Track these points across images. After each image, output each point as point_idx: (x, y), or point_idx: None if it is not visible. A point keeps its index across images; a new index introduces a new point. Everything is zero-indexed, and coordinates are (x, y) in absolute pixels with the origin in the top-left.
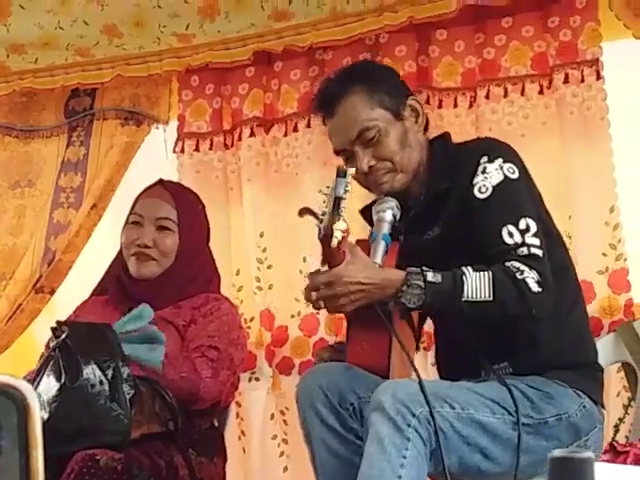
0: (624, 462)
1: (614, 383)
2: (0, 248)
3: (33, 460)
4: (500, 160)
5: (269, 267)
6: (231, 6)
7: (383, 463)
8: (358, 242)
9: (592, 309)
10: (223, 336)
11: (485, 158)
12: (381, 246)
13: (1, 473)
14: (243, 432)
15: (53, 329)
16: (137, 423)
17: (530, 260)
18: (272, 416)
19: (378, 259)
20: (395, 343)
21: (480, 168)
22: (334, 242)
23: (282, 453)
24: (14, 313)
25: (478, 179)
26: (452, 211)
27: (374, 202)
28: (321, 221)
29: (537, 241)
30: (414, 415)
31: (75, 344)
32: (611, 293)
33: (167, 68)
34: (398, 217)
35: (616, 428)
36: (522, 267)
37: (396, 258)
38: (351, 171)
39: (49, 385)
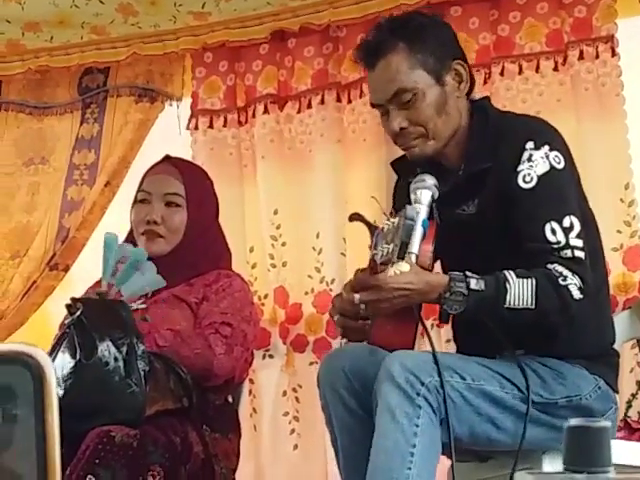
0: None
1: (627, 360)
2: (14, 225)
3: (49, 427)
4: (547, 147)
5: (283, 244)
6: None
7: (396, 434)
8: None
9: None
10: (236, 313)
11: (531, 144)
12: (418, 233)
13: (16, 441)
14: (255, 409)
15: (68, 306)
16: (152, 400)
17: (573, 264)
18: (284, 393)
19: (415, 248)
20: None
21: (526, 155)
22: (387, 271)
23: (293, 430)
24: (28, 290)
25: (523, 167)
26: (490, 193)
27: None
28: (371, 230)
29: (580, 243)
30: (423, 384)
31: (90, 321)
32: (626, 270)
33: (183, 46)
34: (437, 197)
35: (628, 404)
36: (565, 272)
37: (433, 240)
38: (419, 213)
39: (64, 362)
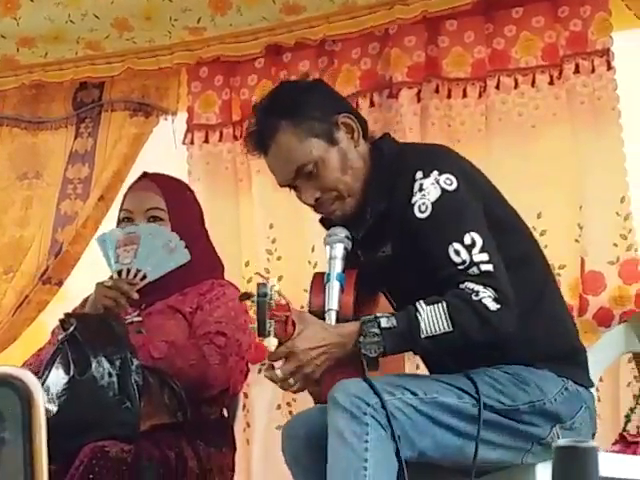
0: (634, 453)
1: (625, 373)
2: (7, 240)
3: (37, 450)
4: (435, 173)
5: (278, 258)
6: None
7: (347, 452)
8: (316, 275)
9: (603, 299)
10: (230, 322)
11: (420, 173)
12: (335, 289)
13: (4, 464)
14: (248, 424)
15: (61, 321)
16: (146, 414)
17: (483, 278)
18: (278, 407)
19: (333, 304)
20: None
21: (416, 186)
22: (270, 351)
23: None
24: (21, 305)
25: (416, 198)
26: (396, 232)
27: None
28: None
29: (485, 256)
30: (369, 404)
31: (84, 336)
32: (622, 283)
33: (178, 61)
34: (350, 247)
35: (627, 418)
36: (476, 287)
37: (354, 288)
38: (271, 282)
39: (58, 378)
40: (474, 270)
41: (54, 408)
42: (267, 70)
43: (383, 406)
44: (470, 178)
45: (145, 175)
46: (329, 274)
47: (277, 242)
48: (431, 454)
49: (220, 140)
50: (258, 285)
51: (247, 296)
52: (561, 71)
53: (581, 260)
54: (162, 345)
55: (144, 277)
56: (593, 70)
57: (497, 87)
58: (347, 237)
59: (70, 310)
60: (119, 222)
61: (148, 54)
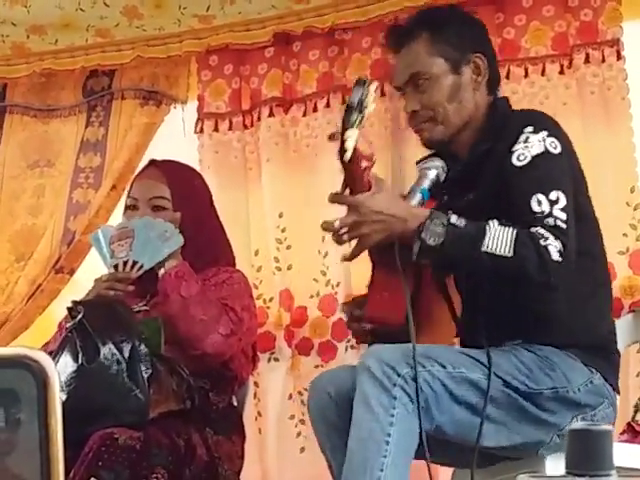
0: None
1: (634, 363)
2: (19, 228)
3: (52, 431)
4: (545, 133)
5: (288, 247)
6: None
7: (372, 424)
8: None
9: (613, 290)
10: (236, 300)
11: (530, 128)
12: (417, 197)
13: (20, 445)
14: (260, 413)
15: (69, 309)
16: (155, 402)
17: (555, 230)
18: (290, 396)
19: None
20: (420, 298)
21: (522, 137)
22: (347, 155)
23: (299, 434)
24: (33, 293)
25: (518, 147)
26: (488, 176)
27: (428, 155)
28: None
29: (564, 215)
30: (399, 375)
31: (91, 324)
32: (632, 274)
33: (187, 49)
34: (442, 179)
35: (636, 408)
36: (547, 234)
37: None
38: (372, 84)
39: (66, 366)
40: (549, 221)
41: (63, 396)
42: (277, 59)
43: (413, 379)
44: (572, 155)
45: (152, 162)
46: (413, 187)
47: (287, 231)
48: (447, 430)
49: (230, 129)
50: (358, 77)
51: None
52: (571, 61)
53: None
54: (195, 287)
55: (141, 267)
56: (603, 60)
57: (507, 77)
58: (442, 168)
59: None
60: (126, 209)
61: (158, 42)
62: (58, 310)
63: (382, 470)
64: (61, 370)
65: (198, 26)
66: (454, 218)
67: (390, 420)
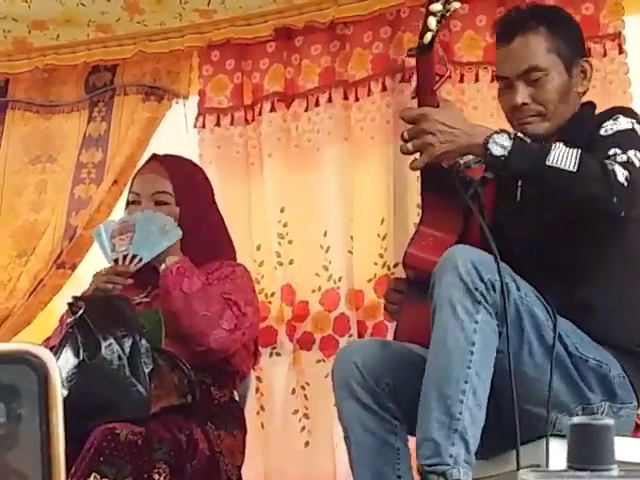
0: None
1: None
2: (21, 223)
3: (53, 427)
4: (634, 120)
5: (290, 242)
6: None
7: (457, 331)
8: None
9: None
10: (240, 294)
11: (621, 115)
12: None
13: (21, 440)
14: (262, 407)
15: (70, 304)
16: (156, 397)
17: (626, 164)
18: (293, 391)
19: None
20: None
21: (613, 118)
22: (427, 37)
23: (303, 428)
24: (35, 288)
25: (607, 123)
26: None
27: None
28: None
29: (637, 161)
30: (483, 280)
31: (92, 319)
32: None
33: (188, 44)
34: (485, 182)
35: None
36: (614, 164)
37: (494, 200)
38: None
39: (67, 361)
40: (623, 157)
41: (64, 392)
42: (279, 54)
43: (494, 286)
44: None
45: (154, 157)
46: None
47: (289, 226)
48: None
49: (232, 124)
50: None
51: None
52: None
53: None
54: (197, 283)
55: (140, 260)
56: (605, 54)
57: None
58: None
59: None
60: (127, 204)
61: (159, 37)
62: (60, 305)
63: (467, 382)
64: (62, 366)
65: (199, 21)
66: (520, 136)
67: (474, 327)
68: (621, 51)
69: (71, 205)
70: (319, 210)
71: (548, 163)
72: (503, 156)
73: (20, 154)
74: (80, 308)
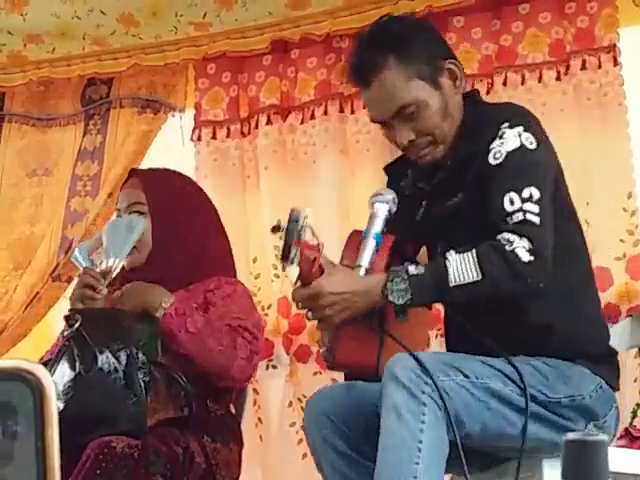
0: None
1: (631, 369)
2: (17, 236)
3: (49, 443)
4: (520, 128)
5: None
6: None
7: (402, 431)
8: (354, 233)
9: (610, 295)
10: (249, 318)
11: (506, 124)
12: (370, 246)
13: (17, 457)
14: (260, 419)
15: (66, 317)
16: (153, 410)
17: (522, 227)
18: (290, 404)
19: (364, 261)
20: (388, 341)
21: (499, 133)
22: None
23: (300, 440)
24: (31, 301)
25: (495, 144)
26: (472, 177)
27: (399, 159)
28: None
29: (536, 208)
30: (427, 383)
31: (88, 332)
32: (629, 279)
33: (184, 57)
34: (394, 211)
35: (634, 414)
36: (511, 237)
37: (389, 254)
38: (305, 213)
39: (63, 374)
40: (518, 216)
41: (60, 405)
42: (275, 67)
43: (441, 386)
44: (549, 149)
45: (132, 172)
46: (367, 231)
47: None
48: (475, 438)
49: (228, 136)
50: (291, 210)
51: (278, 227)
52: (568, 67)
53: None
54: (200, 320)
55: (118, 262)
56: (600, 66)
57: (504, 83)
58: (394, 200)
59: None
60: None
61: (154, 50)
62: (56, 318)
63: (415, 477)
64: (58, 379)
65: (195, 33)
66: (412, 268)
67: (420, 427)
68: (616, 63)
69: (67, 218)
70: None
71: (452, 284)
72: (408, 300)
73: (16, 167)
74: (77, 321)
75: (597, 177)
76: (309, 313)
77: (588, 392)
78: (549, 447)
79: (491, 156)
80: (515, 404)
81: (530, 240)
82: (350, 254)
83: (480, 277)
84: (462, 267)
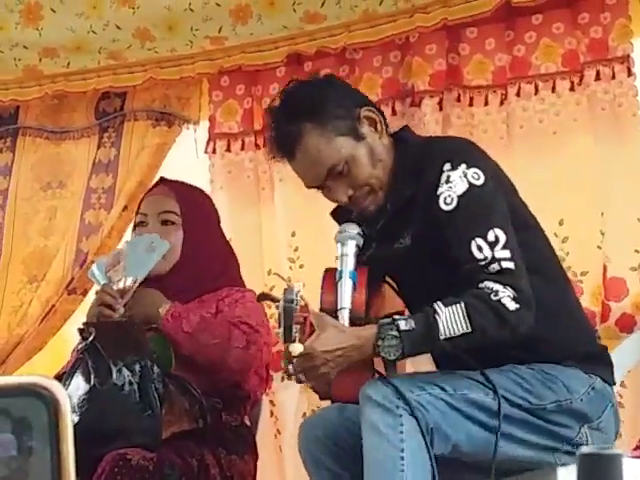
0: None
1: None
2: (32, 249)
3: (64, 459)
4: (463, 166)
5: (301, 266)
6: (263, 9)
7: (383, 444)
8: (327, 271)
9: (625, 306)
10: (252, 316)
11: (448, 165)
12: (348, 287)
13: (32, 473)
14: (279, 431)
15: (80, 330)
16: (167, 422)
17: (503, 276)
18: (304, 415)
19: (346, 303)
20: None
21: (444, 177)
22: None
23: None
24: (47, 314)
25: (442, 189)
26: (419, 222)
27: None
28: (277, 306)
29: (507, 253)
30: (400, 397)
31: (103, 345)
32: None
33: (200, 71)
34: (361, 244)
35: None
36: (495, 287)
37: (365, 286)
38: (298, 289)
39: (78, 387)
40: (495, 267)
41: (75, 418)
42: (288, 79)
43: (416, 401)
44: (496, 174)
45: (162, 180)
46: (341, 271)
47: (299, 250)
48: (464, 448)
49: (242, 149)
50: (285, 290)
51: (265, 297)
52: (582, 77)
53: (603, 267)
54: (195, 319)
55: (136, 281)
56: (614, 76)
57: (518, 94)
58: (359, 234)
59: None
60: (135, 226)
61: (170, 64)
62: (71, 331)
63: None
64: (73, 392)
65: (210, 47)
66: (403, 324)
67: (400, 437)
68: (630, 74)
69: (81, 231)
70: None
71: (442, 338)
72: (400, 355)
73: (31, 180)
74: (91, 334)
75: (612, 187)
76: (301, 376)
77: (578, 395)
78: (546, 454)
79: (442, 201)
80: (495, 410)
81: (513, 288)
82: (329, 298)
83: (470, 329)
84: (451, 320)
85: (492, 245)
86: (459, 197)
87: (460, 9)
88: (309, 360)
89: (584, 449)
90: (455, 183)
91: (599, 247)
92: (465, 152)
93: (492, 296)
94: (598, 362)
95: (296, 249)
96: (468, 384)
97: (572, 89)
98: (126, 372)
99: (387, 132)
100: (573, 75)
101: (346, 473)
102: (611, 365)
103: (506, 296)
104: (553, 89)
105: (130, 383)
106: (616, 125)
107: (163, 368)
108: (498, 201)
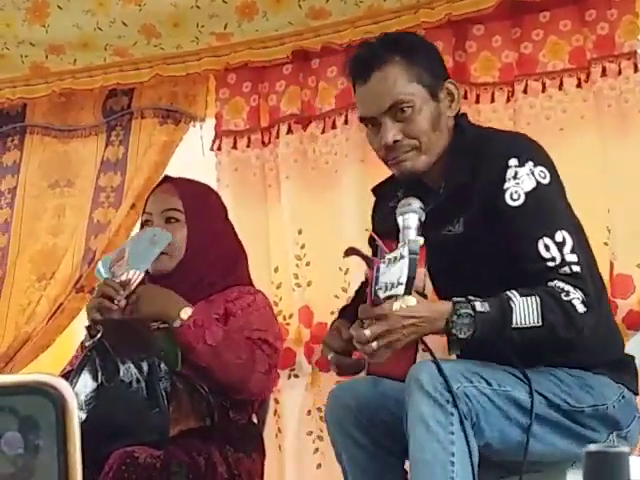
0: None
1: None
2: (40, 248)
3: (71, 458)
4: (531, 164)
5: (307, 264)
6: (269, 5)
7: (433, 444)
8: (383, 242)
9: (632, 302)
10: (269, 329)
11: (515, 161)
12: (412, 253)
13: (39, 471)
14: (280, 429)
15: (87, 328)
16: (175, 420)
17: (573, 279)
18: (309, 412)
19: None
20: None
21: (510, 172)
22: (395, 306)
23: (316, 450)
24: (55, 313)
25: (509, 184)
26: (475, 211)
27: (388, 179)
28: (369, 264)
29: (575, 257)
30: (451, 391)
31: (110, 343)
32: None
33: (206, 67)
34: (423, 218)
35: None
36: (567, 287)
37: (425, 263)
38: (420, 242)
39: (86, 385)
40: (566, 270)
41: (83, 415)
42: (295, 76)
43: (465, 394)
44: (557, 175)
45: (166, 178)
46: (403, 239)
47: (306, 247)
48: (495, 446)
49: (248, 146)
50: (409, 241)
51: (354, 252)
52: (588, 74)
53: (610, 263)
54: (219, 332)
55: (139, 274)
56: (620, 73)
57: (525, 91)
58: (421, 208)
59: None
60: (142, 226)
61: (176, 60)
62: (79, 329)
63: None
64: (80, 389)
65: (216, 44)
66: (478, 305)
67: (450, 438)
68: (636, 70)
69: (90, 229)
70: (337, 232)
71: (513, 326)
72: (469, 335)
73: (39, 179)
74: (98, 331)
75: (618, 183)
76: (373, 343)
77: (611, 402)
78: (570, 457)
79: (508, 197)
80: (536, 414)
81: (583, 292)
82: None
83: (540, 323)
84: (526, 311)
85: (560, 246)
86: (527, 194)
87: (464, 4)
88: (383, 323)
89: (590, 447)
90: (522, 180)
91: (606, 244)
92: (531, 149)
93: (564, 296)
94: (626, 372)
95: (303, 246)
96: (511, 381)
97: (579, 86)
98: (133, 370)
99: (456, 114)
100: (580, 72)
101: (372, 447)
102: (637, 375)
103: (576, 298)
104: (560, 86)
105: (138, 381)
106: (623, 121)
107: (170, 366)
108: (562, 201)
